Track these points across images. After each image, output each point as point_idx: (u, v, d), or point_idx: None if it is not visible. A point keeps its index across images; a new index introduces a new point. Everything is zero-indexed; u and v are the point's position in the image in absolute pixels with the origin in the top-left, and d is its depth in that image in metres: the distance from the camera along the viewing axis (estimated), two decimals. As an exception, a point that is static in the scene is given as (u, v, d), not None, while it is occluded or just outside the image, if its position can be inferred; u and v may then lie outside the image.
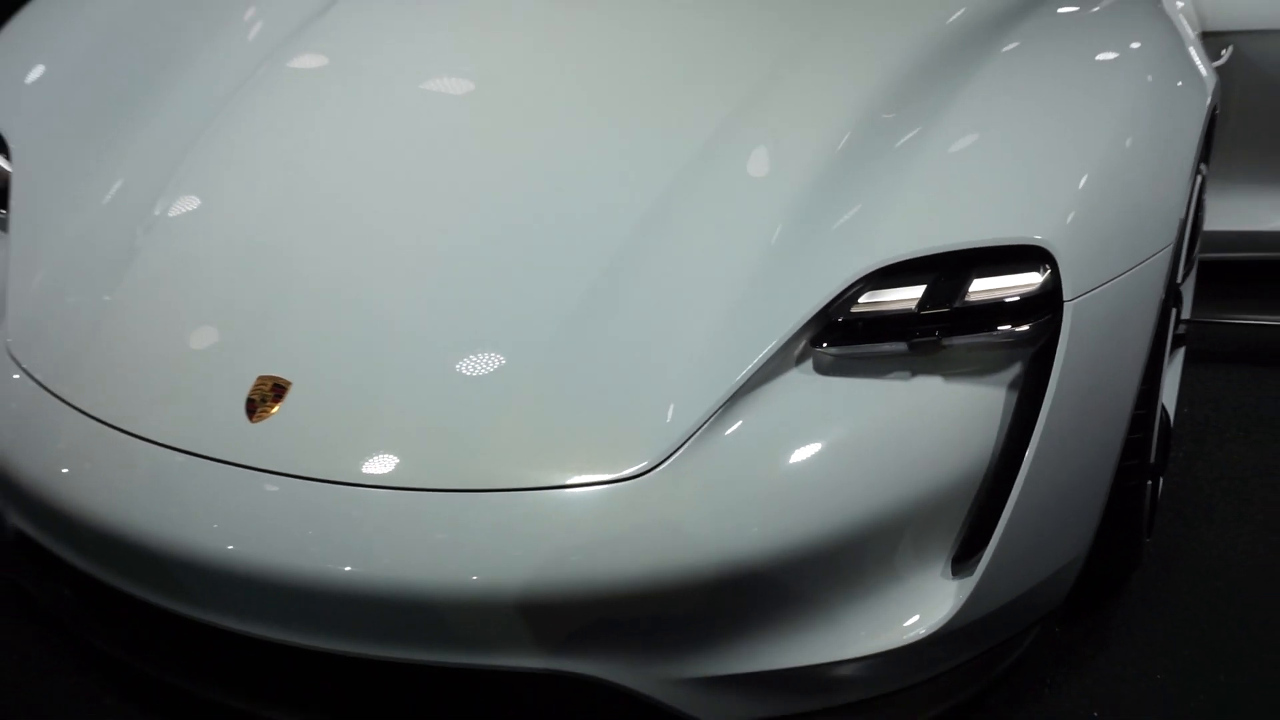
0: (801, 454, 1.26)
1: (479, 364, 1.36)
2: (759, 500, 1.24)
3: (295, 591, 1.26)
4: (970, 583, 1.28)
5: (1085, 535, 1.46)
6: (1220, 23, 1.83)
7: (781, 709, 1.35)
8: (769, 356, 1.28)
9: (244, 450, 1.32)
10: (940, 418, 1.29)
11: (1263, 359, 2.21)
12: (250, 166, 1.72)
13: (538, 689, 1.34)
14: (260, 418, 1.35)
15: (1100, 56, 1.62)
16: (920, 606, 1.31)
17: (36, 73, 1.87)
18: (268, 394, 1.37)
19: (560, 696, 1.34)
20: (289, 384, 1.37)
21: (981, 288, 1.29)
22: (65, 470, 1.41)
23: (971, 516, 1.31)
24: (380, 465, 1.29)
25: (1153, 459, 1.64)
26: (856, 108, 1.55)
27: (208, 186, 1.69)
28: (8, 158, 1.75)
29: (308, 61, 1.88)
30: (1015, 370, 1.30)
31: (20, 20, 2.01)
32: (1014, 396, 1.30)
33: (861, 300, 1.30)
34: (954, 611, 1.28)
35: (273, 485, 1.30)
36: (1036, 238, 1.29)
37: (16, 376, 1.51)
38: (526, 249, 1.49)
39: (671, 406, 1.27)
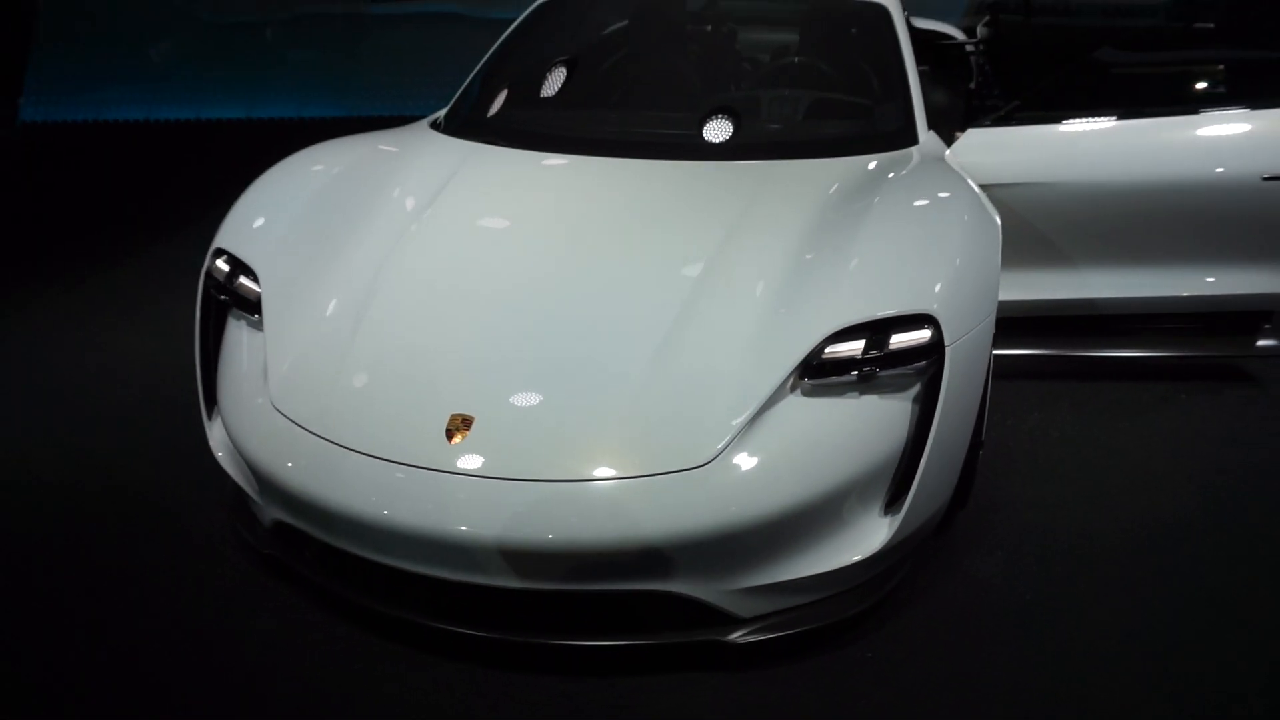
0: (797, 447, 2.03)
1: (597, 398, 2.10)
2: (775, 477, 1.99)
3: (481, 549, 1.96)
4: (897, 520, 2.10)
5: (950, 488, 2.31)
6: (982, 179, 2.74)
7: (785, 604, 2.11)
8: (775, 389, 2.07)
9: (447, 462, 2.00)
10: (877, 420, 2.10)
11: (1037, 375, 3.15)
12: (424, 278, 2.47)
13: (643, 602, 2.05)
14: (456, 440, 2.03)
15: (933, 202, 2.54)
16: (868, 537, 2.10)
17: (269, 221, 2.66)
18: (459, 425, 2.05)
19: (656, 606, 2.06)
20: (473, 417, 2.06)
21: (897, 341, 2.10)
22: (320, 480, 2.09)
23: (895, 480, 2.14)
24: (539, 466, 1.99)
25: (982, 438, 2.55)
26: (794, 240, 2.40)
27: (397, 291, 2.42)
28: (256, 281, 2.45)
29: (445, 214, 2.68)
30: (917, 389, 2.13)
31: (260, 183, 2.85)
32: (918, 405, 2.12)
33: (825, 352, 2.11)
34: (887, 539, 2.10)
35: (468, 482, 1.99)
36: (929, 309, 2.13)
37: (280, 422, 2.18)
38: (612, 322, 2.25)
39: (718, 421, 2.04)
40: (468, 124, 3.20)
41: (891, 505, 2.13)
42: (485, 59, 3.52)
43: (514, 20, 3.71)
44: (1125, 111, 3.13)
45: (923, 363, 2.09)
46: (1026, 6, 4.52)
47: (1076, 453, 3.04)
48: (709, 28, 3.71)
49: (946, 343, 2.10)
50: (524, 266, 2.47)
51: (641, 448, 2.01)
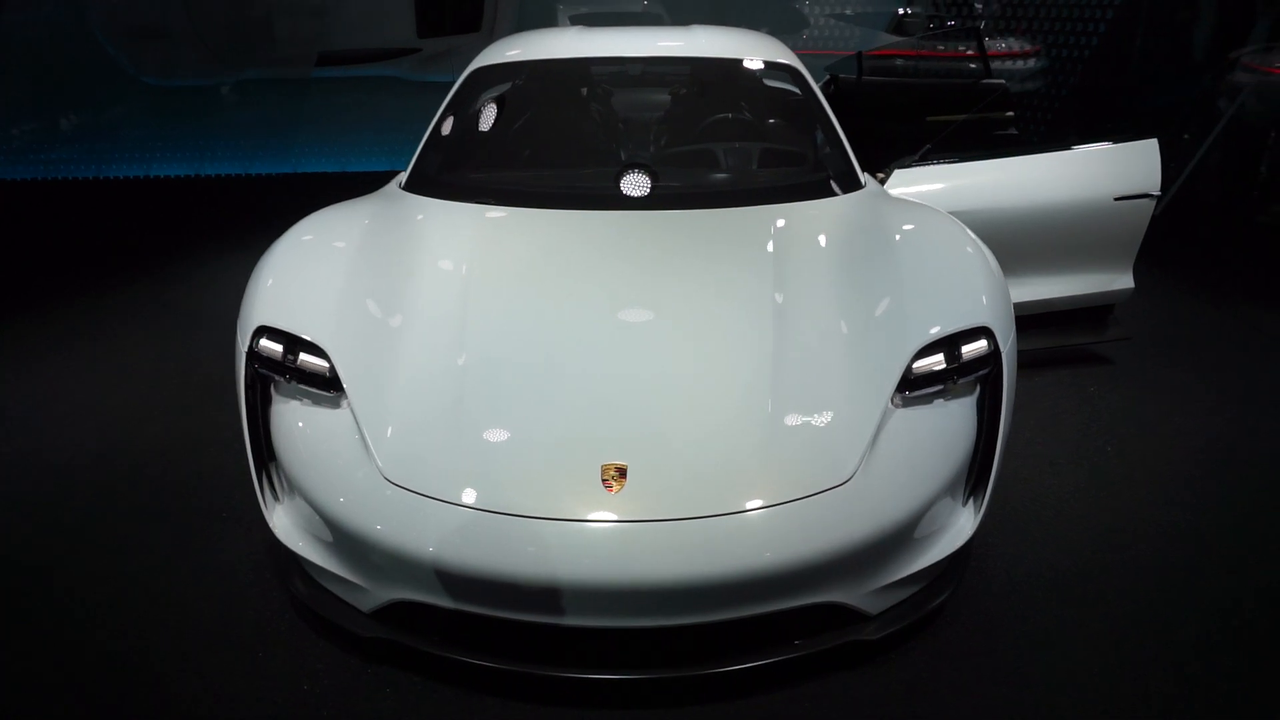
0: (909, 455, 2.23)
1: (733, 433, 2.18)
2: (900, 485, 2.18)
3: (661, 592, 1.97)
4: (981, 509, 2.35)
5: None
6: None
7: (901, 597, 2.28)
8: (884, 407, 2.25)
9: (615, 512, 2.00)
10: (957, 424, 2.34)
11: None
12: (509, 338, 2.45)
13: (794, 616, 2.13)
14: (616, 490, 2.02)
15: (937, 229, 2.82)
16: (961, 527, 2.33)
17: (310, 297, 2.53)
18: (614, 475, 2.05)
19: (805, 617, 2.15)
20: (626, 465, 2.06)
21: (966, 352, 2.38)
22: (476, 548, 2.01)
23: (972, 474, 2.38)
24: (700, 504, 2.05)
25: None
26: (837, 274, 2.63)
27: (490, 353, 2.40)
28: (320, 356, 2.36)
29: (491, 273, 2.68)
30: (977, 393, 2.41)
31: (276, 261, 2.68)
32: (982, 407, 2.40)
33: (913, 368, 2.33)
34: (975, 526, 2.34)
35: (639, 529, 1.99)
36: (985, 322, 2.41)
37: (401, 495, 2.09)
38: (714, 362, 2.35)
39: (847, 442, 2.18)
40: (451, 187, 3.13)
41: (970, 497, 2.35)
42: (442, 124, 3.44)
43: (452, 82, 3.64)
44: (1008, 151, 3.63)
45: (985, 370, 2.35)
46: (859, 71, 5.11)
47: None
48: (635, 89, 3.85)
49: (1001, 350, 2.36)
50: (601, 316, 2.51)
51: (787, 473, 2.13)
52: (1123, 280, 3.81)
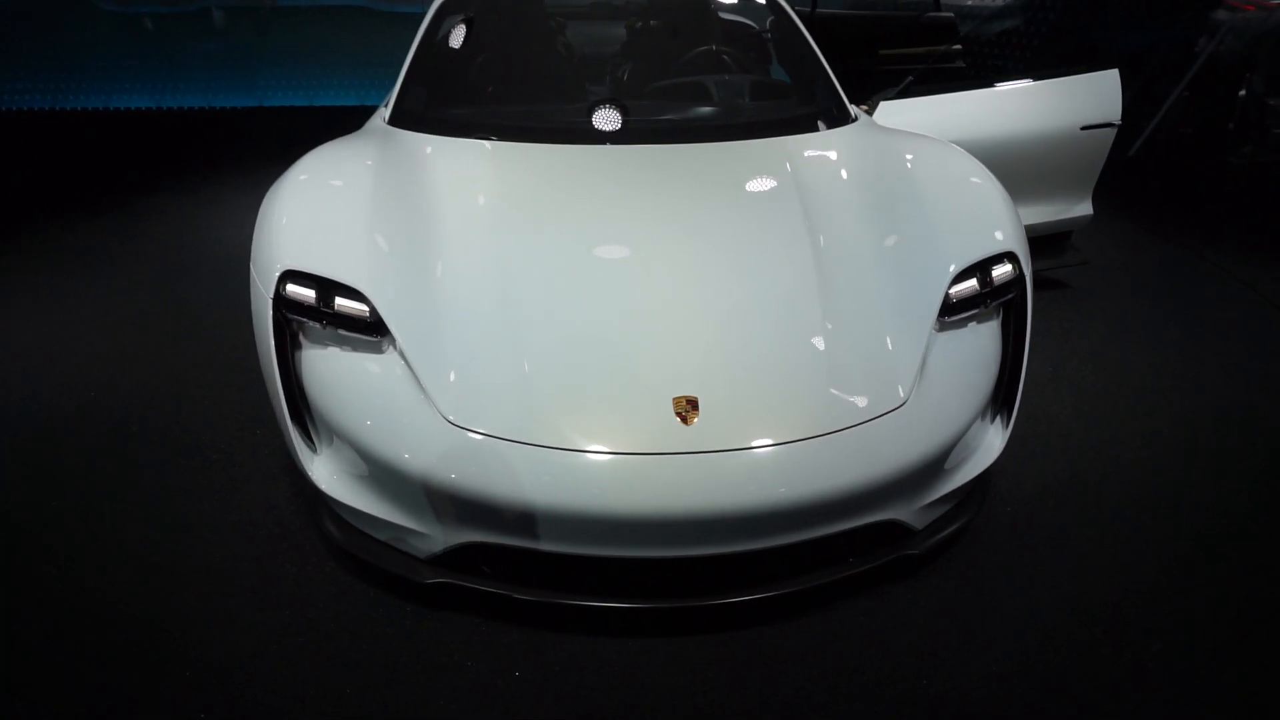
0: (954, 376, 2.30)
1: (794, 361, 2.21)
2: (949, 405, 2.25)
3: (739, 519, 2.00)
4: (1009, 426, 2.45)
5: None
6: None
7: (940, 511, 2.38)
8: (929, 332, 2.30)
9: (692, 443, 2.00)
10: (990, 345, 2.43)
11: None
12: (554, 274, 2.39)
13: (851, 535, 2.20)
14: (690, 422, 2.02)
15: (945, 157, 2.87)
16: (993, 443, 2.45)
17: (335, 241, 2.39)
18: (686, 407, 2.04)
19: (859, 535, 2.21)
20: (697, 398, 2.05)
21: (996, 274, 2.45)
22: (554, 486, 1.98)
23: (1000, 393, 2.47)
24: (773, 431, 2.06)
25: None
26: (863, 203, 2.64)
27: (539, 290, 2.33)
28: (358, 299, 2.24)
29: (520, 209, 2.59)
30: (1001, 315, 2.50)
31: (287, 202, 2.52)
32: (1006, 326, 2.49)
33: (950, 293, 2.38)
34: (1004, 442, 2.44)
35: (717, 458, 2.00)
36: (1011, 247, 2.49)
37: (470, 437, 2.04)
38: (763, 292, 2.33)
39: (899, 367, 2.23)
40: (449, 123, 3.00)
41: (998, 414, 2.44)
42: (422, 57, 3.29)
43: (421, 14, 3.48)
44: (984, 83, 3.71)
45: (1012, 294, 2.42)
46: (812, 4, 5.07)
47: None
48: (641, 23, 3.74)
49: (1025, 274, 2.44)
50: (642, 249, 2.47)
51: (849, 399, 2.17)
52: (1083, 207, 3.97)
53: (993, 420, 2.48)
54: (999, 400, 2.48)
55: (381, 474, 2.15)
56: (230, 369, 3.40)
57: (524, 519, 2.01)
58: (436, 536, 2.15)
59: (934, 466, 2.22)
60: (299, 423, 2.30)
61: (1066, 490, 2.78)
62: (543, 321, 2.25)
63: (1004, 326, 2.50)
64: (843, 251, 2.47)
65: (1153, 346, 3.75)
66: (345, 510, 2.30)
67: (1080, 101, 3.76)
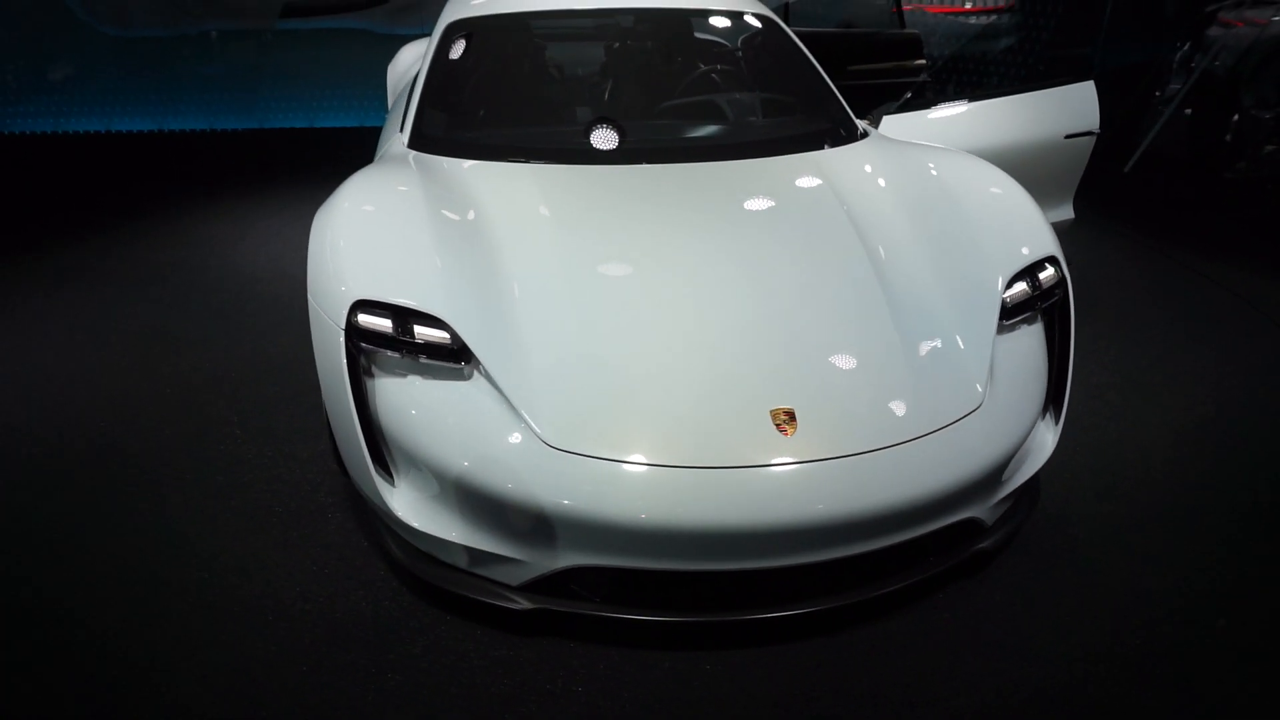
0: (1017, 377, 2.38)
1: (877, 369, 2.26)
2: (1017, 404, 2.34)
3: (837, 526, 2.04)
4: (1060, 423, 2.54)
5: None
6: None
7: (1005, 507, 2.44)
8: (993, 335, 2.38)
9: (794, 454, 2.03)
10: (1038, 343, 2.52)
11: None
12: (629, 295, 2.40)
13: (932, 536, 2.24)
14: (789, 434, 2.05)
15: (971, 168, 2.97)
16: (1047, 440, 2.52)
17: (404, 270, 2.37)
18: (784, 419, 2.07)
19: (941, 536, 2.27)
20: (793, 409, 2.09)
21: (1043, 277, 2.55)
22: (665, 505, 1.98)
23: (1050, 390, 2.56)
24: (868, 438, 2.11)
25: None
26: (906, 214, 2.71)
27: (618, 313, 2.35)
28: (438, 327, 2.22)
29: (577, 230, 2.61)
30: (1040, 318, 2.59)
31: (344, 233, 2.48)
32: (1051, 327, 2.58)
33: (1005, 295, 2.46)
34: (1056, 439, 2.53)
35: (817, 468, 2.04)
36: (1053, 251, 2.59)
37: (574, 460, 2.03)
38: (833, 305, 2.38)
39: (972, 370, 2.30)
40: (480, 147, 3.00)
41: (1047, 412, 2.54)
42: (434, 81, 3.27)
43: (422, 35, 3.47)
44: (976, 96, 3.86)
45: (1057, 295, 2.52)
46: (785, 20, 5.19)
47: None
48: (632, 41, 3.78)
49: (1066, 276, 2.55)
50: (709, 266, 2.50)
51: (933, 404, 2.23)
52: (1065, 210, 4.15)
53: (1043, 418, 2.58)
54: (1047, 399, 2.57)
55: (474, 502, 2.11)
56: (248, 398, 3.30)
57: (635, 539, 2.01)
58: (534, 562, 2.12)
59: (1008, 463, 2.29)
60: (375, 455, 2.25)
61: (1102, 482, 2.90)
62: (627, 340, 2.26)
63: (1047, 327, 2.60)
64: (901, 261, 2.54)
65: (1140, 345, 3.94)
66: (428, 542, 2.25)
67: (1062, 112, 3.94)
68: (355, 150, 4.04)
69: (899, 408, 2.18)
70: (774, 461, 2.03)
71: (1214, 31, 6.17)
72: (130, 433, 3.12)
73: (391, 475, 2.27)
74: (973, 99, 3.91)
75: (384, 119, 4.83)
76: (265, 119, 7.42)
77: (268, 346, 3.76)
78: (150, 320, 4.03)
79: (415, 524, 2.20)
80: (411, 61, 4.88)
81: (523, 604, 2.17)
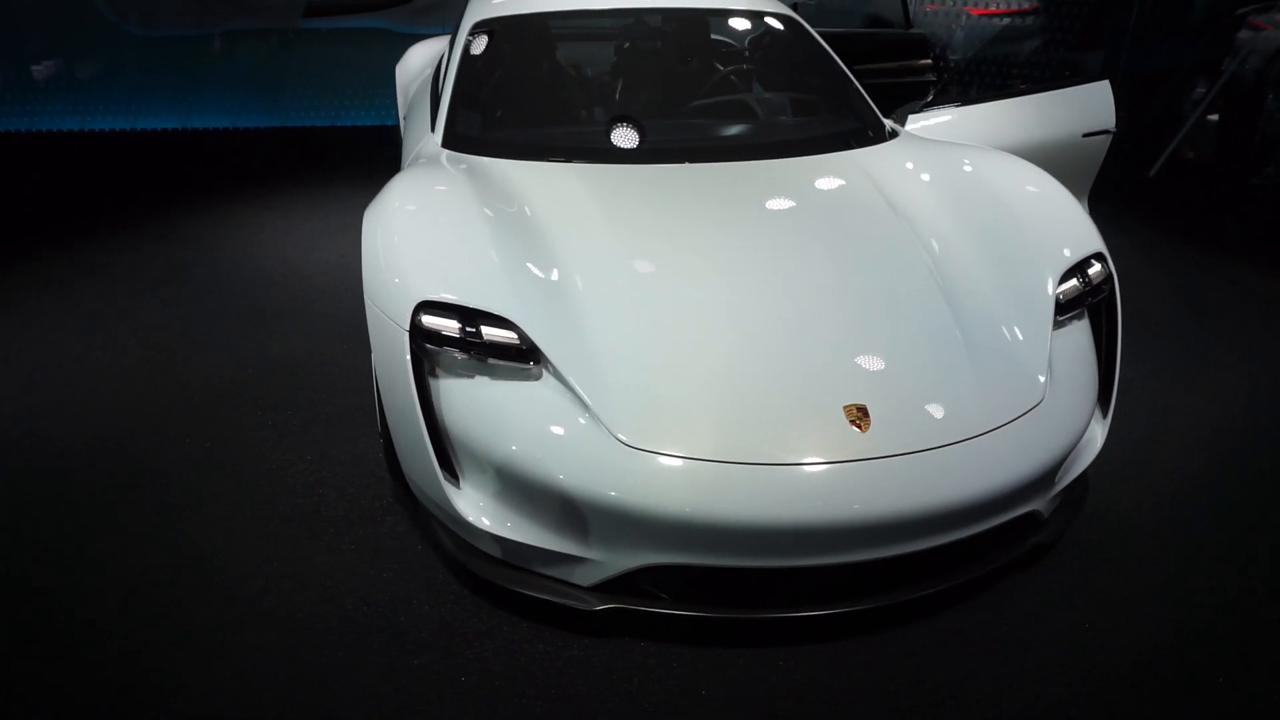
0: (1072, 371, 2.40)
1: (943, 366, 2.27)
2: (1073, 399, 2.36)
3: (919, 519, 2.05)
4: (1109, 418, 2.57)
5: None
6: None
7: (1059, 501, 2.46)
8: (1050, 331, 2.40)
9: (869, 449, 2.04)
10: (1087, 338, 2.55)
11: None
12: (690, 293, 2.39)
13: (995, 531, 2.25)
14: (864, 429, 2.06)
15: (1006, 165, 3.00)
16: (1097, 435, 2.53)
17: (465, 271, 2.35)
18: (857, 415, 2.08)
19: (1004, 529, 2.28)
20: (866, 405, 2.10)
21: (1091, 274, 2.57)
22: (743, 502, 1.99)
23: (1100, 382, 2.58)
24: (936, 434, 2.12)
25: None
26: (951, 213, 2.72)
27: (681, 310, 2.35)
28: (511, 329, 2.20)
29: (631, 228, 2.62)
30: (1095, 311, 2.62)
31: (401, 233, 2.46)
32: (1098, 323, 2.61)
33: (1058, 291, 2.49)
34: (1105, 434, 2.56)
35: (894, 463, 2.05)
36: (1099, 247, 2.62)
37: (646, 457, 2.02)
38: (894, 302, 2.40)
39: (1032, 366, 2.32)
40: (518, 145, 2.99)
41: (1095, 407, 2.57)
42: (464, 81, 3.26)
43: (440, 33, 3.46)
44: (996, 95, 3.90)
45: (1105, 291, 2.56)
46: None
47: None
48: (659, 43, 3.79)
49: (1113, 272, 2.58)
50: (766, 264, 2.51)
51: (999, 399, 2.25)
52: (1082, 206, 4.21)
53: (1098, 413, 2.60)
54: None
55: (547, 503, 2.10)
56: (277, 402, 3.25)
57: (715, 536, 2.00)
58: (608, 562, 2.11)
59: (1067, 457, 2.32)
60: (440, 458, 2.23)
61: (1142, 474, 2.94)
62: (695, 336, 2.26)
63: (1093, 323, 2.63)
64: (954, 256, 2.56)
65: (1163, 343, 4.00)
66: (494, 544, 2.23)
67: (1079, 111, 3.99)
68: (377, 147, 3.99)
69: (968, 403, 2.20)
70: (850, 457, 2.04)
71: (1244, 35, 6.07)
72: (161, 440, 3.07)
73: (457, 478, 2.25)
74: (992, 99, 3.95)
75: (394, 119, 4.81)
76: (288, 118, 7.48)
77: (289, 348, 3.71)
78: (167, 321, 3.97)
79: (484, 527, 2.19)
80: (423, 62, 4.85)
81: (595, 604, 2.16)
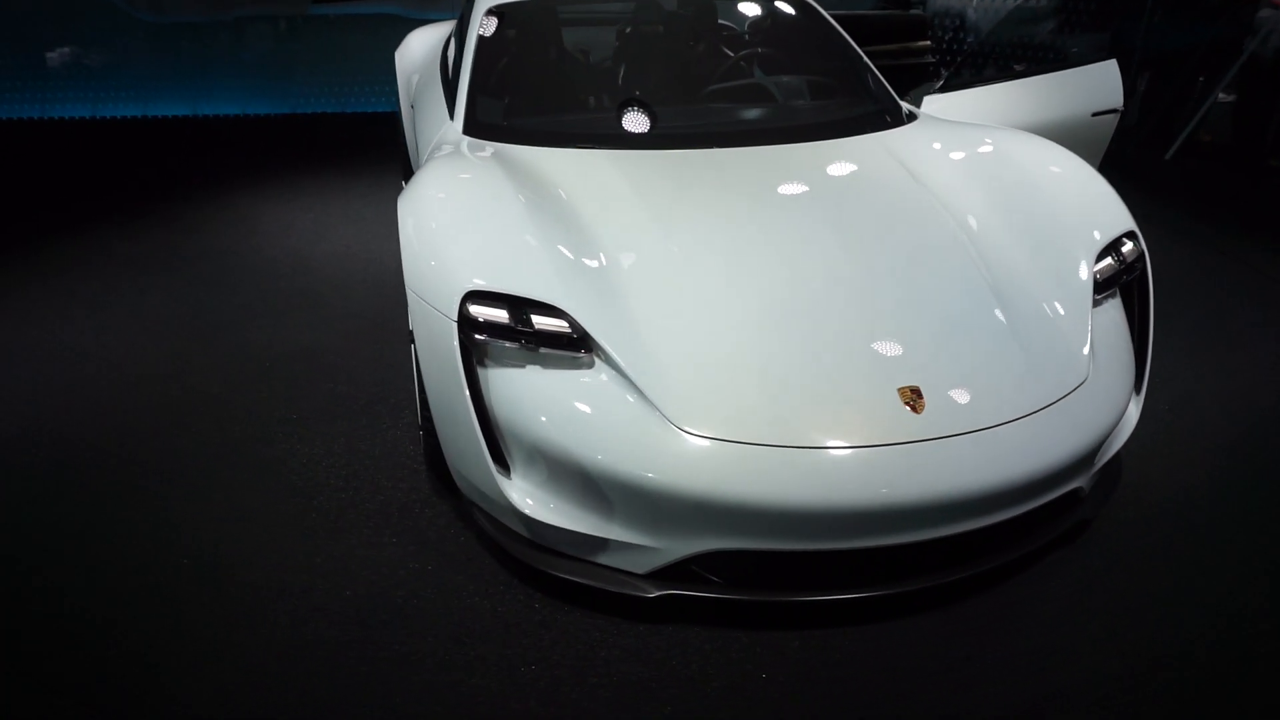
0: (1112, 350, 2.44)
1: (991, 346, 2.29)
2: (1115, 376, 2.39)
3: (975, 499, 2.07)
4: (1142, 395, 2.61)
5: None
6: None
7: (1097, 477, 2.50)
8: (1090, 310, 2.42)
9: (926, 430, 2.05)
10: (1121, 316, 2.58)
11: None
12: (737, 277, 2.40)
13: (1041, 508, 2.27)
14: (919, 410, 2.07)
15: (1031, 146, 3.00)
16: (1132, 410, 2.57)
17: (511, 260, 2.31)
18: (911, 396, 2.09)
19: (1050, 506, 2.30)
20: (919, 385, 2.11)
21: (1125, 252, 2.59)
22: (804, 486, 2.00)
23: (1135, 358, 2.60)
24: (990, 413, 2.14)
25: None
26: (983, 193, 2.74)
27: (719, 285, 2.36)
28: (562, 317, 2.19)
29: (669, 214, 2.60)
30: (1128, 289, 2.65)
31: (439, 219, 2.44)
32: (1132, 298, 2.64)
33: (1095, 270, 2.51)
34: (1140, 411, 2.59)
35: (951, 444, 2.07)
36: (1131, 226, 2.64)
37: (706, 442, 2.02)
38: (938, 282, 2.41)
39: (1074, 345, 2.34)
40: (546, 133, 2.97)
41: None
42: (482, 67, 3.24)
43: (449, 18, 3.43)
44: (1006, 76, 3.92)
45: (1138, 269, 2.59)
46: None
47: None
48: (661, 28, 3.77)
49: (1144, 250, 2.61)
50: (808, 246, 2.52)
51: (1047, 377, 2.27)
52: None
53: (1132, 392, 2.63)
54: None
55: (603, 492, 2.09)
56: (300, 396, 3.22)
57: (774, 520, 2.01)
58: (666, 548, 2.11)
59: (1110, 434, 2.35)
60: (491, 449, 2.21)
61: (1169, 451, 2.98)
62: (744, 321, 2.26)
63: (1125, 301, 2.66)
64: (991, 235, 2.58)
65: (1190, 325, 4.04)
66: (548, 533, 2.23)
67: (1088, 90, 4.02)
68: (388, 134, 3.93)
69: (1018, 382, 2.21)
70: (908, 439, 2.05)
71: (1264, 14, 5.98)
72: (182, 435, 3.03)
73: (508, 468, 2.24)
74: (1002, 80, 3.97)
75: (395, 106, 4.75)
76: (299, 104, 7.46)
77: (305, 340, 3.67)
78: (180, 310, 3.91)
79: (539, 516, 2.18)
80: (424, 47, 4.79)
81: (652, 591, 2.17)
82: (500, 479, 2.20)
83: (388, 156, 5.90)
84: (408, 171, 4.99)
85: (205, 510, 2.66)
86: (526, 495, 2.21)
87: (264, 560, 2.45)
